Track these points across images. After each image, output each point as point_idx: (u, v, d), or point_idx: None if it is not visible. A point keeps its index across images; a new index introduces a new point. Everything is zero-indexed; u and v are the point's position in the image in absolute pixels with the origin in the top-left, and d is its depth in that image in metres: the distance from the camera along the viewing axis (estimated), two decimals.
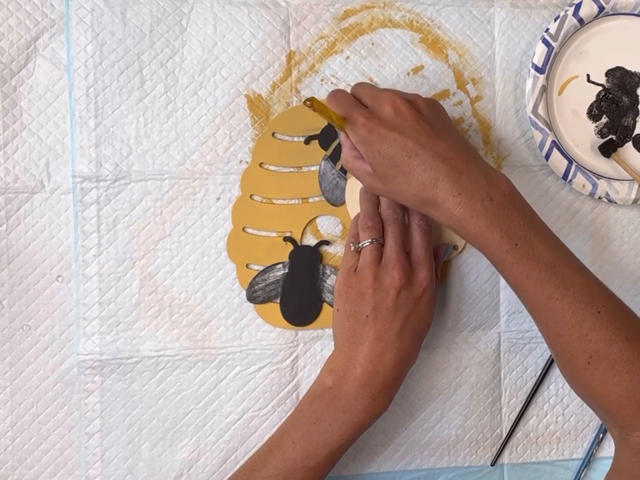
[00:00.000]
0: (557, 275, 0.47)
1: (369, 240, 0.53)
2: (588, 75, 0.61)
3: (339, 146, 0.58)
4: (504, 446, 0.61)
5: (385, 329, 0.51)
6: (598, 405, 0.49)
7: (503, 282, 0.60)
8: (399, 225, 0.54)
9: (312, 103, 0.46)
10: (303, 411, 0.53)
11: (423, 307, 0.53)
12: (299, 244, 0.58)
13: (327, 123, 0.58)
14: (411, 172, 0.47)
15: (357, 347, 0.51)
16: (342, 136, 0.52)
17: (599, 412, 0.51)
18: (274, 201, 0.58)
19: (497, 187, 0.48)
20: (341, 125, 0.50)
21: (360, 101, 0.51)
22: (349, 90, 0.53)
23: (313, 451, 0.51)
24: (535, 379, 0.61)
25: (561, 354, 0.49)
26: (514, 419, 0.61)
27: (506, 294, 0.60)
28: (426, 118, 0.49)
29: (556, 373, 0.61)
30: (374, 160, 0.49)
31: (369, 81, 0.59)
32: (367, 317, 0.51)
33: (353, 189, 0.58)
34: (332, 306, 0.58)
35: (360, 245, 0.53)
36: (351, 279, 0.52)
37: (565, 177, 0.60)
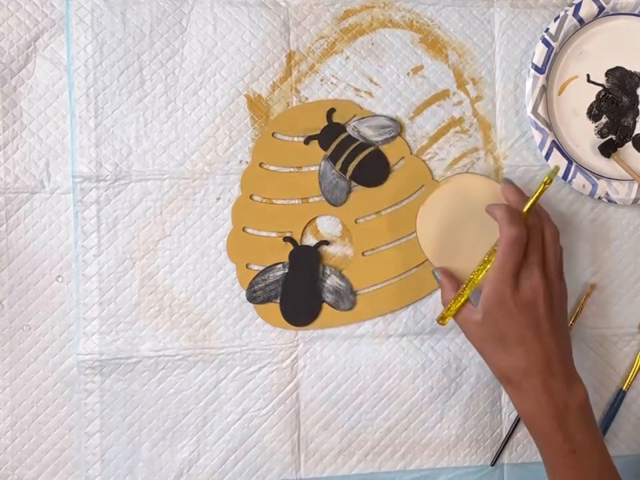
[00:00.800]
0: None
1: None
2: (588, 75, 0.61)
3: (339, 146, 0.58)
4: (504, 446, 0.61)
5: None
6: None
7: None
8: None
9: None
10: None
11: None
12: (299, 244, 0.58)
13: (327, 123, 0.58)
14: (512, 354, 0.50)
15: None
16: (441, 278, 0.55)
17: None
18: (274, 201, 0.58)
19: (576, 395, 0.50)
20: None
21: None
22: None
23: None
24: None
25: None
26: (514, 419, 0.61)
27: None
28: (554, 312, 0.51)
29: None
30: (486, 321, 0.51)
31: (368, 82, 0.59)
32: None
33: (427, 214, 0.57)
34: (332, 306, 0.58)
35: None
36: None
37: (565, 177, 0.60)
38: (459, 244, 0.56)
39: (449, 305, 0.53)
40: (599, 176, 0.60)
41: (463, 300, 0.52)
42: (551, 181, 0.51)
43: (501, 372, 0.52)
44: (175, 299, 0.58)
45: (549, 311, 0.51)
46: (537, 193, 0.52)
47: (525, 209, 0.52)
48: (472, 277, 0.53)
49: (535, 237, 0.51)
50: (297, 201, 0.59)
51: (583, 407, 0.50)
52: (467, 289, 0.52)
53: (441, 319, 0.53)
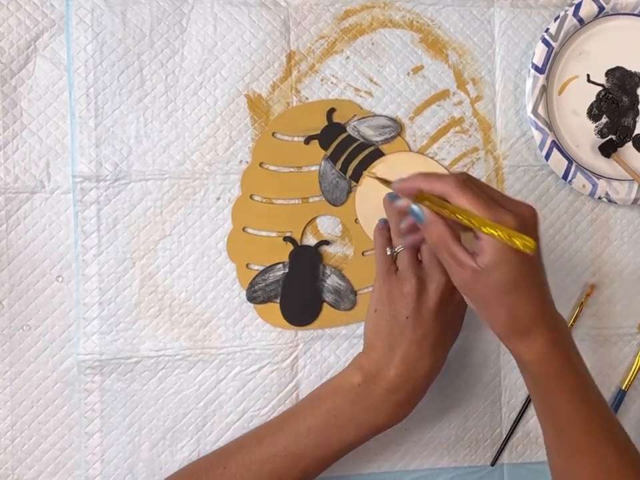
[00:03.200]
0: (606, 421, 0.48)
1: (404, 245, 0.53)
2: (588, 75, 0.61)
3: (339, 146, 0.58)
4: (504, 446, 0.61)
5: (424, 333, 0.51)
6: None
7: None
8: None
9: (425, 201, 0.43)
10: (323, 400, 0.52)
11: (458, 317, 0.53)
12: (299, 244, 0.58)
13: (327, 123, 0.58)
14: (528, 299, 0.46)
15: (392, 348, 0.51)
16: (431, 216, 0.45)
17: None
18: (274, 201, 0.58)
19: (570, 330, 0.49)
20: (464, 219, 0.43)
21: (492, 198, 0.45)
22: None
23: (326, 442, 0.51)
24: None
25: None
26: (514, 419, 0.61)
27: None
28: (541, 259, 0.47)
29: None
30: (499, 268, 0.44)
31: (368, 81, 0.59)
32: (407, 318, 0.51)
33: (363, 196, 0.58)
34: (332, 306, 0.58)
35: (396, 249, 0.53)
36: (391, 279, 0.52)
37: (565, 177, 0.60)
38: None
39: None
40: (599, 176, 0.60)
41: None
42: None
43: (513, 322, 0.46)
44: (175, 298, 0.58)
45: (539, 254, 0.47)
46: None
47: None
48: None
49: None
50: (297, 201, 0.59)
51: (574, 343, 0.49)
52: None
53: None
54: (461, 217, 0.42)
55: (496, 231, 0.42)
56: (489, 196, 0.44)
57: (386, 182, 0.49)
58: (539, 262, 0.47)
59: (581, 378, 0.48)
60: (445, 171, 0.59)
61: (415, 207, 0.45)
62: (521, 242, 0.41)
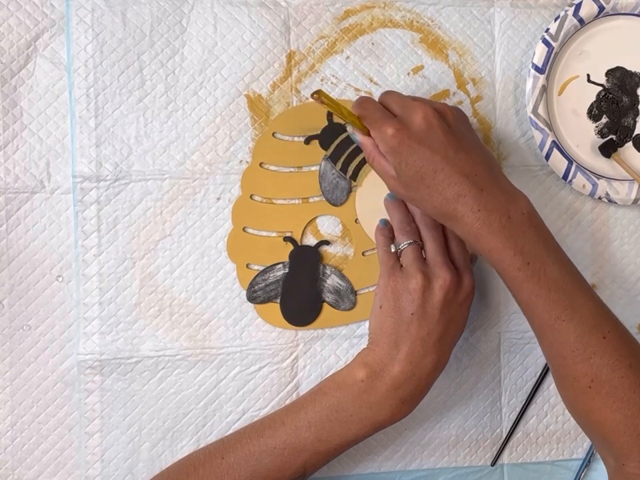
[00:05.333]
0: (566, 297, 0.47)
1: (409, 241, 0.53)
2: (588, 75, 0.61)
3: (339, 146, 0.58)
4: (504, 446, 0.61)
5: (429, 330, 0.51)
6: (596, 431, 0.49)
7: (502, 282, 0.60)
8: (438, 230, 0.54)
9: (319, 95, 0.46)
10: (326, 394, 0.52)
11: (463, 313, 0.53)
12: (299, 244, 0.58)
13: (327, 123, 0.58)
14: (435, 186, 0.48)
15: (397, 345, 0.51)
16: (360, 136, 0.52)
17: (596, 439, 0.51)
18: (274, 201, 0.58)
19: (516, 205, 0.48)
20: (356, 122, 0.51)
21: (388, 109, 0.51)
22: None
23: (327, 437, 0.51)
24: (534, 379, 0.61)
25: (563, 376, 0.49)
26: (514, 419, 0.61)
27: (506, 294, 0.60)
28: (454, 131, 0.50)
29: None
30: (400, 170, 0.49)
31: (368, 81, 0.59)
32: (412, 314, 0.51)
33: (363, 196, 0.58)
34: (332, 306, 0.58)
35: (400, 246, 0.53)
36: (397, 276, 0.52)
37: (565, 177, 0.60)
38: None
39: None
40: (599, 176, 0.60)
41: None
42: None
43: (435, 208, 0.49)
44: (175, 298, 0.58)
45: (447, 130, 0.49)
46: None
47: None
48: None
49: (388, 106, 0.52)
50: (297, 201, 0.59)
51: (528, 217, 0.48)
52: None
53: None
54: (337, 111, 0.51)
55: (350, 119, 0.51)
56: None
57: (332, 104, 0.50)
58: (441, 150, 0.48)
59: (528, 255, 0.47)
60: None
61: (350, 131, 0.55)
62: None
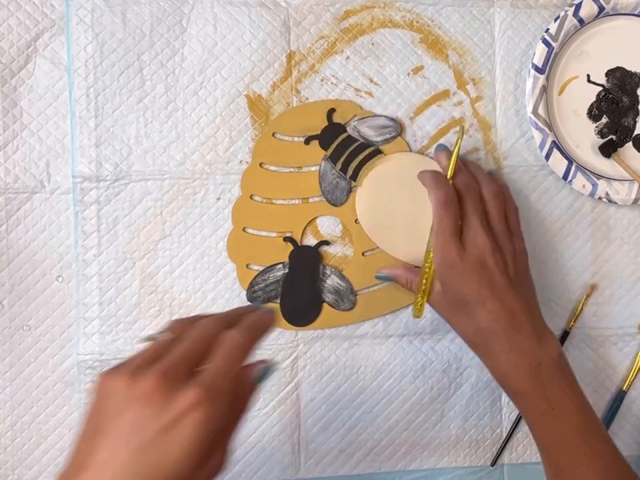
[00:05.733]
0: (586, 443, 0.48)
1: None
2: (588, 75, 0.61)
3: (339, 146, 0.58)
4: (504, 446, 0.61)
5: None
6: None
7: None
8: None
9: None
10: None
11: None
12: (299, 244, 0.58)
13: (327, 123, 0.58)
14: (474, 316, 0.49)
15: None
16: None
17: None
18: (274, 201, 0.58)
19: (547, 351, 0.49)
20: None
21: (456, 189, 0.52)
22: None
23: None
24: None
25: None
26: (514, 419, 0.61)
27: None
28: (509, 268, 0.50)
29: None
30: (445, 288, 0.51)
31: (368, 82, 0.59)
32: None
33: (363, 196, 0.58)
34: (332, 306, 0.58)
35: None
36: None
37: (565, 177, 0.60)
38: (398, 221, 0.57)
39: (418, 300, 0.53)
40: (599, 176, 0.60)
41: (426, 291, 0.52)
42: (463, 129, 0.51)
43: (468, 337, 0.51)
44: (175, 299, 0.58)
45: (502, 267, 0.50)
46: (456, 149, 0.53)
47: (450, 170, 0.53)
48: (426, 268, 0.52)
49: (470, 196, 0.51)
50: (297, 201, 0.59)
51: (557, 363, 0.49)
52: (426, 282, 0.52)
53: (417, 312, 0.53)
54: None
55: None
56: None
57: None
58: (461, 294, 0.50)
59: (553, 401, 0.48)
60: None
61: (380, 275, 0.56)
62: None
